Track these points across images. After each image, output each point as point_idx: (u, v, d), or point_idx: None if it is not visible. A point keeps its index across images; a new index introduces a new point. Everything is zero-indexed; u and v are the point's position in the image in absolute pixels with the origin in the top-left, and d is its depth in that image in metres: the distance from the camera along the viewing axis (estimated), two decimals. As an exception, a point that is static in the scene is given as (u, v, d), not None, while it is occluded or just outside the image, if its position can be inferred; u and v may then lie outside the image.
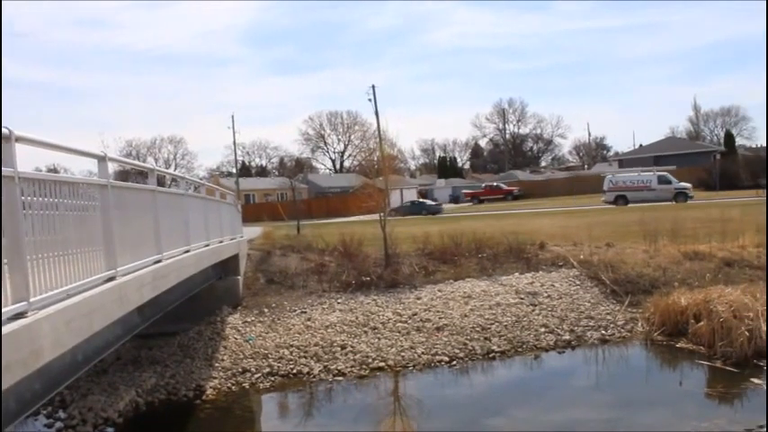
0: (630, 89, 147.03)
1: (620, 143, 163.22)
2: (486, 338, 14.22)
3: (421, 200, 50.46)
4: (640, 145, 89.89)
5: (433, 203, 47.45)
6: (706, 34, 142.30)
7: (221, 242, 14.72)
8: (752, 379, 11.10)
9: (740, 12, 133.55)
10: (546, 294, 16.36)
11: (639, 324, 14.77)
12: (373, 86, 56.97)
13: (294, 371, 13.00)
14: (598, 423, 10.23)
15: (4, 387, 4.30)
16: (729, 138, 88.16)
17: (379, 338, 14.32)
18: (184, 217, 10.90)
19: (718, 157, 57.52)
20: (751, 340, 12.04)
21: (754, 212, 23.86)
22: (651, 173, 43.94)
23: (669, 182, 42.60)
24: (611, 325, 14.84)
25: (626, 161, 76.91)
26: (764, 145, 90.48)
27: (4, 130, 4.76)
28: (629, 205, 39.50)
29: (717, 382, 11.39)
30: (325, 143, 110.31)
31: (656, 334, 14.03)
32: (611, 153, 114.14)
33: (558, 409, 10.92)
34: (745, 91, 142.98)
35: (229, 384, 12.49)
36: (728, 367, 11.83)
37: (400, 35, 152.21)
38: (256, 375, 12.82)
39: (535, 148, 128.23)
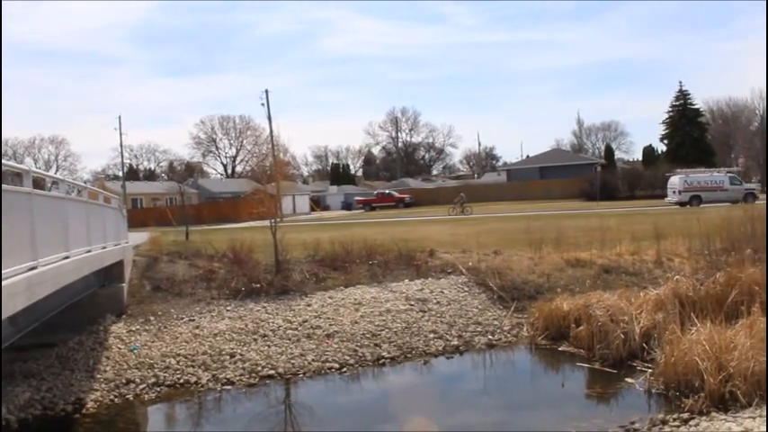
0: (520, 102, 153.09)
1: (509, 153, 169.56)
2: (376, 345, 14.31)
3: None
4: (527, 156, 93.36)
5: None
6: (591, 54, 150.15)
7: (104, 248, 14.14)
8: (626, 379, 11.67)
9: (622, 35, 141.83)
10: (435, 301, 16.64)
11: (525, 329, 15.25)
12: (266, 91, 56.81)
13: (181, 380, 12.62)
14: (486, 426, 10.51)
15: None
16: (609, 151, 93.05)
17: (268, 346, 14.14)
18: (64, 221, 10.40)
19: (599, 169, 60.36)
20: (626, 342, 12.66)
21: (630, 222, 25.23)
22: (722, 174, 44.44)
23: (740, 183, 43.50)
24: (498, 330, 15.26)
25: (514, 171, 79.60)
26: (640, 158, 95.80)
27: None
28: (702, 206, 38.99)
29: (595, 382, 11.92)
30: (217, 147, 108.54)
31: (540, 338, 14.53)
32: (500, 163, 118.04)
33: (447, 414, 11.10)
34: (624, 108, 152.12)
35: (112, 396, 11.96)
36: (606, 368, 12.39)
37: (295, 41, 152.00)
38: (141, 386, 12.35)
39: (427, 156, 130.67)
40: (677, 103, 79.50)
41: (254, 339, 14.45)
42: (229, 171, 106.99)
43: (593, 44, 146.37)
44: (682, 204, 41.17)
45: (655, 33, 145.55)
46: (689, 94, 79.43)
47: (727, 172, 45.60)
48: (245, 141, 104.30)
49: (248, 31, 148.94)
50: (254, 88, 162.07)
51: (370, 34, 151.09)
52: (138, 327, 15.02)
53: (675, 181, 43.79)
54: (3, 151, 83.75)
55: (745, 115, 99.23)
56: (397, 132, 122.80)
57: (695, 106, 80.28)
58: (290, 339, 14.49)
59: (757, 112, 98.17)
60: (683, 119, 77.80)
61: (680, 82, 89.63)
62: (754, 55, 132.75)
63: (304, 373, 13.03)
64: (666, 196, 44.95)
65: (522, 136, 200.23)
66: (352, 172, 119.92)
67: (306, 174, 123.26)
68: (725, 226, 17.67)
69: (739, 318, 11.88)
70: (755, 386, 9.62)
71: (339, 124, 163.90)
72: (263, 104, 55.09)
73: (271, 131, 47.01)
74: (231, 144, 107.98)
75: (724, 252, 16.18)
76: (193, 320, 15.47)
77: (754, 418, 8.88)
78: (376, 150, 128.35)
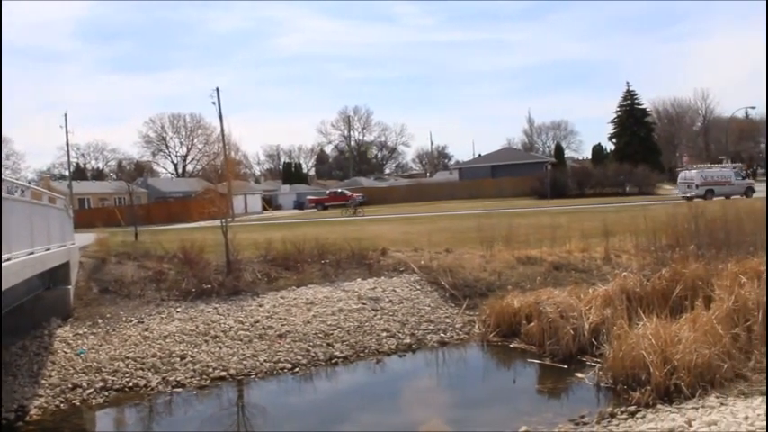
0: (471, 101, 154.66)
1: (461, 152, 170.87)
2: (328, 344, 14.27)
3: None
4: (479, 155, 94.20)
5: None
6: (541, 54, 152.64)
7: (48, 249, 13.78)
8: (576, 374, 11.87)
9: (572, 35, 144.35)
10: (388, 299, 16.67)
11: (476, 326, 15.38)
12: (217, 89, 56.26)
13: (130, 384, 12.39)
14: (440, 424, 10.55)
15: None
16: (559, 150, 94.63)
17: (220, 347, 13.97)
18: (5, 223, 10.11)
19: (549, 167, 61.26)
20: (575, 338, 12.88)
21: (579, 219, 25.64)
22: (729, 169, 46.56)
23: (744, 177, 45.89)
24: (450, 328, 15.37)
25: (465, 170, 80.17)
26: (589, 157, 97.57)
27: None
28: (714, 199, 39.09)
29: (546, 378, 12.10)
30: (167, 146, 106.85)
31: (491, 335, 14.67)
32: (452, 162, 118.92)
33: (401, 412, 11.16)
34: (573, 107, 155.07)
35: (57, 402, 11.67)
36: (556, 364, 12.58)
37: (247, 39, 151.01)
38: (88, 391, 12.07)
39: (379, 155, 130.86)
40: (625, 103, 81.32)
41: (205, 341, 14.27)
42: (180, 170, 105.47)
43: (544, 45, 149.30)
44: (689, 198, 39.92)
45: (603, 34, 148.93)
46: (636, 95, 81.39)
47: (733, 167, 48.15)
48: (195, 140, 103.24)
49: (199, 27, 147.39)
50: (205, 86, 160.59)
51: (322, 33, 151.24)
52: (85, 330, 14.70)
53: (692, 175, 44.90)
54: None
55: (689, 115, 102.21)
56: (349, 131, 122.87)
57: (642, 106, 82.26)
58: (241, 340, 14.35)
59: (700, 112, 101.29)
60: (631, 118, 79.62)
61: (627, 82, 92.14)
62: (698, 56, 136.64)
63: (256, 374, 12.92)
64: (678, 190, 46.05)
65: (474, 135, 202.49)
66: (305, 171, 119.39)
67: (258, 173, 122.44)
68: (670, 223, 18.09)
69: (683, 312, 12.20)
70: (698, 378, 9.95)
71: (291, 123, 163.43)
72: (214, 103, 54.51)
73: (222, 130, 46.61)
74: (182, 143, 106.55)
75: (669, 248, 16.56)
76: (143, 322, 15.20)
77: (697, 408, 9.14)
78: (328, 149, 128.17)
